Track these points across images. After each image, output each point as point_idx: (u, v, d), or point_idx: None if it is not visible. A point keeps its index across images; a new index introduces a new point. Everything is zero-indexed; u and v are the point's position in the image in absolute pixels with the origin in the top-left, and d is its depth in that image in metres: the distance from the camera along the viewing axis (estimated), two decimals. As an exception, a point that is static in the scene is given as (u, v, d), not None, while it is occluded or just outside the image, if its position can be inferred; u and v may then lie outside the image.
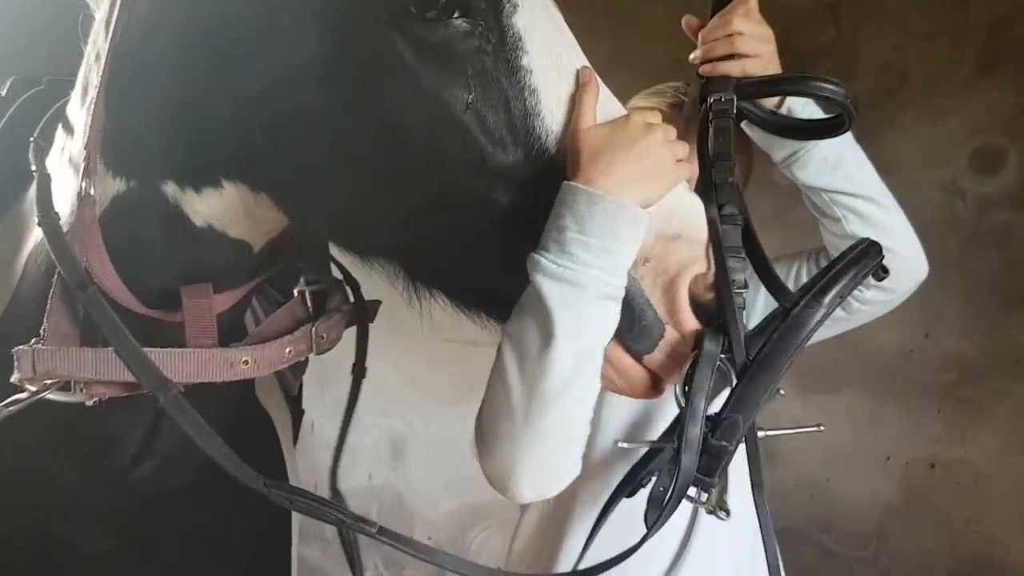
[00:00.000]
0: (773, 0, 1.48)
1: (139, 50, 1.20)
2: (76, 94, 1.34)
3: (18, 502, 1.41)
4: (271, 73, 1.11)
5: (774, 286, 1.10)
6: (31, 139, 1.37)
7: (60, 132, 1.38)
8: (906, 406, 3.34)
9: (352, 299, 1.57)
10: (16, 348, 1.18)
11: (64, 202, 1.26)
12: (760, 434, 1.13)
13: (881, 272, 1.08)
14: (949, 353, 3.27)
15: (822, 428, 1.11)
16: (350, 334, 1.58)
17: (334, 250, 1.47)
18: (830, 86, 1.22)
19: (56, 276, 1.21)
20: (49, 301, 1.20)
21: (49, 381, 1.18)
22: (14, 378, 1.18)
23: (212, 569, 1.56)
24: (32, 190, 1.34)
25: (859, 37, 3.30)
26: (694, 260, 1.08)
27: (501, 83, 1.08)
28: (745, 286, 1.08)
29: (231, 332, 1.34)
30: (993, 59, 3.14)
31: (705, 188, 1.17)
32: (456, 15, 1.05)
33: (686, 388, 1.03)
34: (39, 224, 1.22)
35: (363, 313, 1.57)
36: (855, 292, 1.33)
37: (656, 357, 1.09)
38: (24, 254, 1.40)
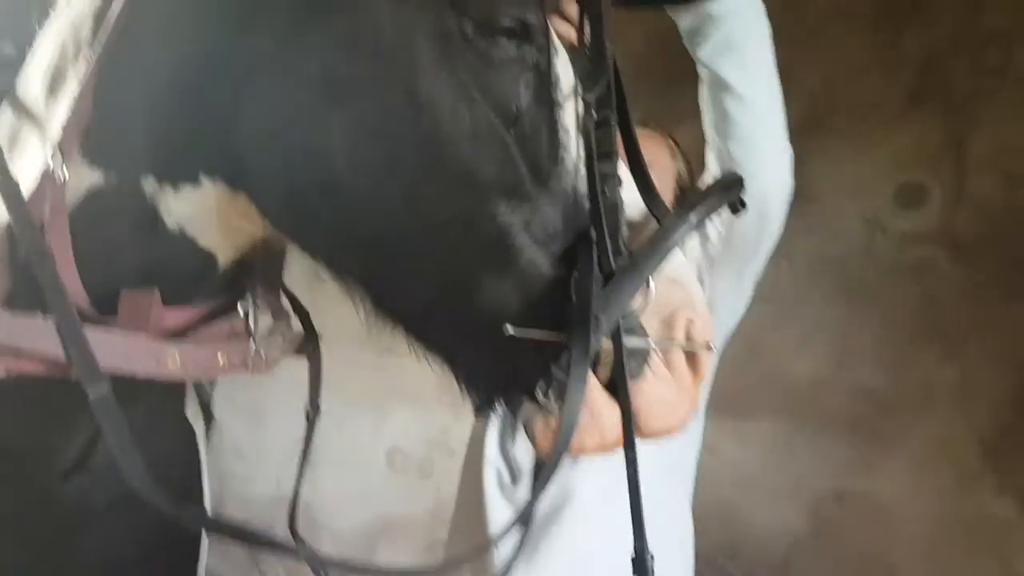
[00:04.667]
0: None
1: (134, 44, 1.15)
2: (36, 81, 1.26)
3: None
4: (278, 66, 1.07)
5: (648, 196, 1.18)
6: None
7: (14, 116, 1.30)
8: (817, 435, 3.34)
9: (295, 327, 1.52)
10: None
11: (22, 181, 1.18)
12: (651, 342, 1.14)
13: (739, 204, 1.21)
14: (862, 384, 3.27)
15: (712, 348, 1.17)
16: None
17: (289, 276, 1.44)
18: None
19: (4, 234, 1.14)
20: None
21: None
22: None
23: None
24: None
25: (792, 64, 3.28)
26: (688, 303, 1.15)
27: (542, 115, 1.10)
28: (620, 185, 1.11)
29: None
30: (922, 95, 3.16)
31: (580, 73, 1.16)
32: (516, 40, 1.08)
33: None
34: None
35: (315, 346, 1.51)
36: None
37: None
38: None
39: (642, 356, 1.12)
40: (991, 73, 3.08)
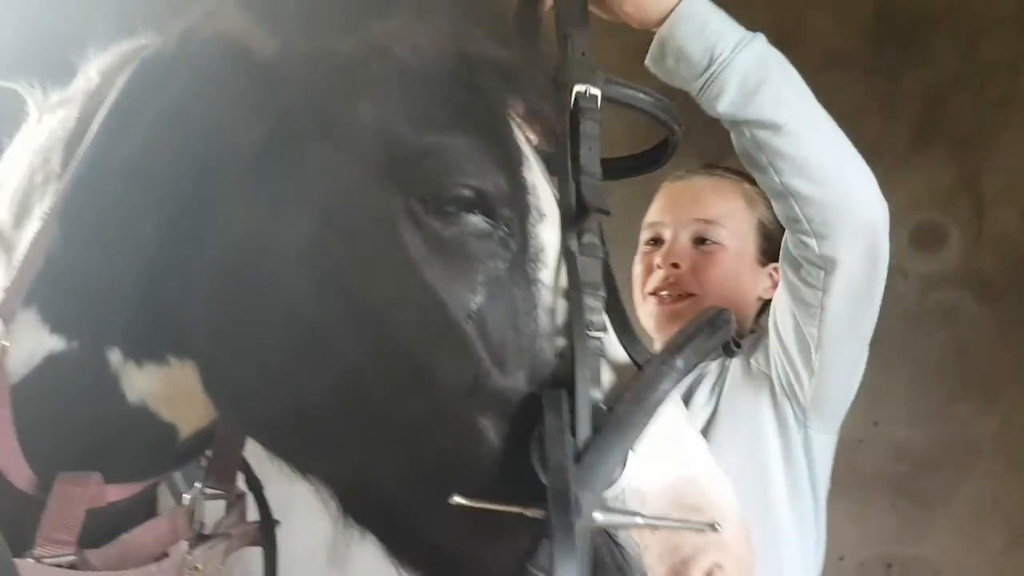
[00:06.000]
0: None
1: (103, 193, 1.08)
2: (5, 205, 1.18)
3: None
4: (247, 231, 0.99)
5: (625, 337, 1.01)
6: None
7: None
8: (858, 500, 3.13)
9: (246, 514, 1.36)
10: None
11: None
12: (640, 520, 0.92)
13: (733, 346, 1.06)
14: (899, 442, 3.10)
15: (718, 529, 0.91)
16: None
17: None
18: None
19: None
20: None
21: None
22: None
23: None
24: None
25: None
26: (713, 545, 0.92)
27: (514, 296, 0.97)
28: (603, 329, 0.96)
29: (119, 524, 1.13)
30: (928, 134, 3.09)
31: (565, 206, 1.02)
32: (477, 212, 0.95)
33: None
34: None
35: (269, 536, 1.35)
36: (796, 278, 1.50)
37: None
38: None
39: None
40: (995, 106, 3.04)
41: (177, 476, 1.35)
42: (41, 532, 1.03)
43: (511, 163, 1.00)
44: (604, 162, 1.13)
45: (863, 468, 3.11)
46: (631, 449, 0.90)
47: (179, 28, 1.13)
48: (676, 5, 1.31)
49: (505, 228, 0.97)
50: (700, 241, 1.80)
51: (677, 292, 1.76)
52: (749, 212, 1.83)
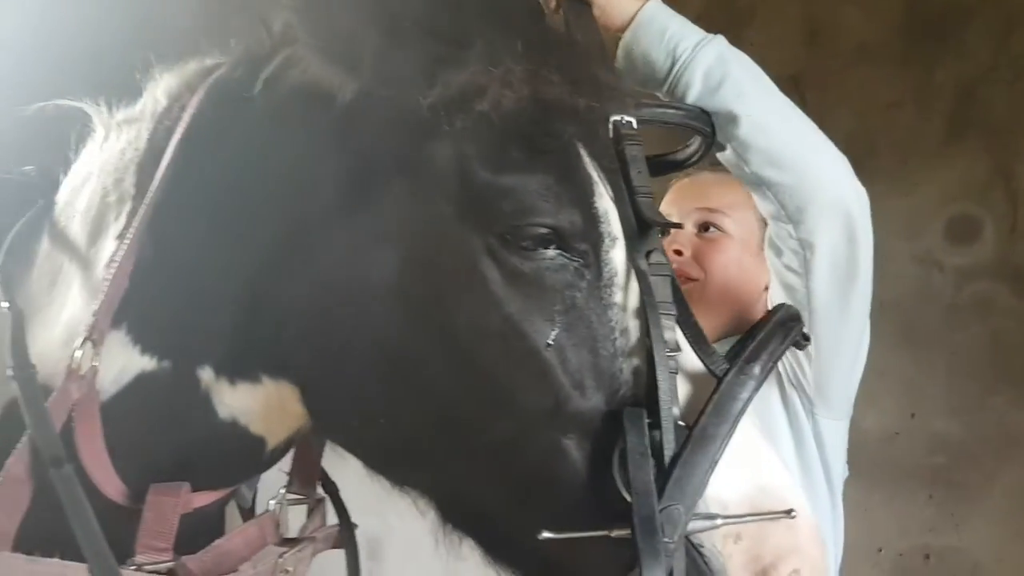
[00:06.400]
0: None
1: (189, 221, 1.11)
2: (78, 221, 1.21)
3: None
4: (337, 267, 1.03)
5: (701, 349, 1.03)
6: None
7: (48, 252, 1.23)
8: (895, 492, 3.14)
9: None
10: None
11: (47, 357, 1.12)
12: (719, 520, 0.96)
13: (803, 340, 1.08)
14: (937, 434, 3.10)
15: (794, 515, 0.96)
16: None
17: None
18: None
19: (26, 440, 1.03)
20: (6, 467, 1.02)
21: None
22: None
23: None
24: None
25: (824, 107, 3.19)
26: (793, 551, 0.97)
27: (591, 321, 1.00)
28: (678, 348, 1.00)
29: (204, 529, 1.18)
30: (961, 126, 3.07)
31: (627, 229, 1.06)
32: (553, 247, 0.99)
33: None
34: (12, 377, 1.07)
35: (351, 539, 1.41)
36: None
37: None
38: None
39: None
40: (1029, 98, 3.01)
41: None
42: (140, 541, 1.06)
43: (585, 197, 1.03)
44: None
45: (901, 460, 3.12)
46: (717, 461, 0.93)
47: (247, 53, 1.15)
48: (637, 12, 1.38)
49: (580, 259, 1.01)
50: (704, 228, 1.82)
51: (679, 277, 1.78)
52: (753, 204, 1.84)
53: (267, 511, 1.29)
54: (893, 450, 3.13)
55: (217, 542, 1.16)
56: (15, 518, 1.02)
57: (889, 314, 2.93)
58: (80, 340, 1.06)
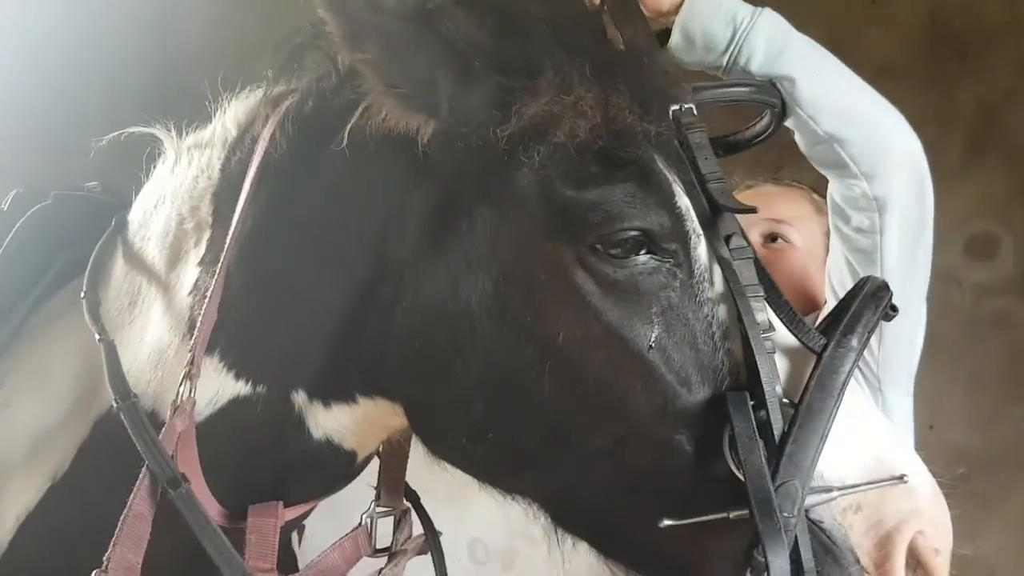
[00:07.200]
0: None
1: (281, 255, 1.15)
2: (154, 244, 1.24)
3: None
4: (434, 295, 1.06)
5: (795, 326, 1.04)
6: (81, 295, 1.26)
7: (126, 273, 1.27)
8: (915, 503, 3.19)
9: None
10: None
11: (137, 379, 1.18)
12: (836, 492, 1.00)
13: (891, 311, 1.08)
14: (956, 445, 3.16)
15: (906, 479, 1.01)
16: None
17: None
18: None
19: (144, 471, 1.07)
20: (129, 504, 1.06)
21: None
22: None
23: None
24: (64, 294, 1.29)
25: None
26: (913, 514, 1.00)
27: (688, 319, 1.03)
28: (771, 328, 1.02)
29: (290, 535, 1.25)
30: (981, 145, 3.14)
31: (702, 217, 1.08)
32: (643, 252, 1.02)
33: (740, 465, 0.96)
34: (117, 409, 1.12)
35: (437, 545, 1.45)
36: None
37: None
38: (66, 370, 1.27)
39: None
40: (1048, 120, 3.08)
41: None
42: (247, 563, 1.11)
43: (667, 198, 1.06)
44: (715, 141, 1.20)
45: (920, 471, 3.17)
46: (827, 435, 0.96)
47: (317, 87, 1.15)
48: None
49: (671, 259, 1.04)
50: (771, 239, 1.85)
51: None
52: (818, 217, 1.88)
53: (360, 524, 1.33)
54: (913, 461, 3.19)
55: (315, 559, 1.23)
56: (140, 552, 1.05)
57: (910, 328, 3.00)
58: (181, 376, 1.10)
